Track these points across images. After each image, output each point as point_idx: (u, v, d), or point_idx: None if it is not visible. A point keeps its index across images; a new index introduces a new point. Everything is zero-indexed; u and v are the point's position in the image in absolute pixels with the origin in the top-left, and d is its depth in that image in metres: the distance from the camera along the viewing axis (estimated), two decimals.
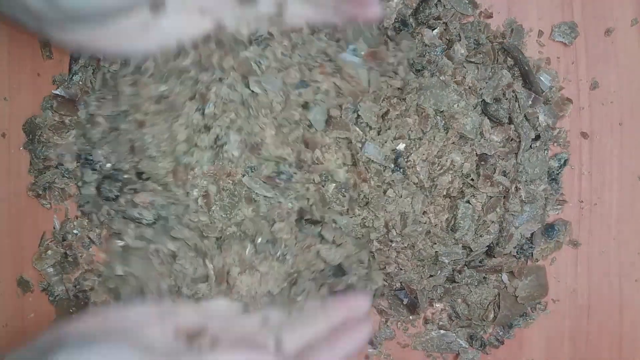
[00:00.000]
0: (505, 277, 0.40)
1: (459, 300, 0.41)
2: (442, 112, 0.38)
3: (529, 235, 0.40)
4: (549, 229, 0.40)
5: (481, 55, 0.39)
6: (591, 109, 0.41)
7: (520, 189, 0.38)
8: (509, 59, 0.40)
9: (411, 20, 0.40)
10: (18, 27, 0.44)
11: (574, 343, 0.41)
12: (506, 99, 0.39)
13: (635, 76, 0.41)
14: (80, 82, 0.42)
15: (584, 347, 0.41)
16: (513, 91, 0.39)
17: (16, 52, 0.44)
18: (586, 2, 0.41)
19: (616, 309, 0.41)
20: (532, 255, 0.41)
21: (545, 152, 0.40)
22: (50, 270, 0.43)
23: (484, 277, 0.40)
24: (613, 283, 0.41)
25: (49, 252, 0.43)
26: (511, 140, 0.39)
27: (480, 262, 0.40)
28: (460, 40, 0.39)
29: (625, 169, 0.41)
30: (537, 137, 0.40)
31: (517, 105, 0.39)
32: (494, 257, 0.39)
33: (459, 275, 0.40)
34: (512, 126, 0.39)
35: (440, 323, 0.41)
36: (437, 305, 0.41)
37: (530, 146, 0.39)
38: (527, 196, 0.38)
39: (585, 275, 0.41)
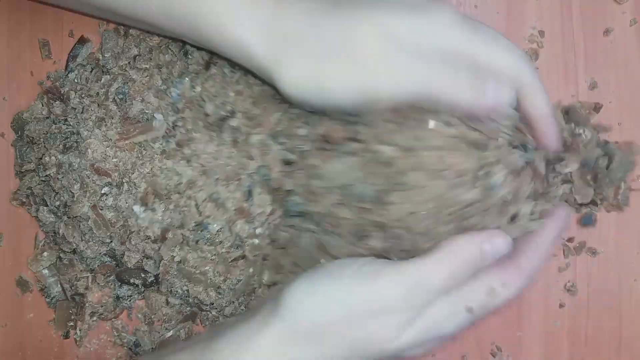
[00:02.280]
0: None
1: None
2: None
3: None
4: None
5: None
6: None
7: None
8: None
9: None
10: (17, 26, 0.44)
11: (573, 343, 0.41)
12: None
13: (634, 76, 0.41)
14: (76, 80, 0.41)
15: (583, 348, 0.41)
16: None
17: (15, 51, 0.44)
18: (585, 2, 0.41)
19: (615, 309, 0.41)
20: None
21: None
22: (46, 272, 0.43)
23: None
24: (612, 283, 0.41)
25: (45, 254, 0.42)
26: None
27: None
28: None
29: None
30: None
31: None
32: None
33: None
34: None
35: None
36: None
37: None
38: None
39: (584, 275, 0.41)
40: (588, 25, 0.41)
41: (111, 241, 0.40)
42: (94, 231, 0.39)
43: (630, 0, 0.40)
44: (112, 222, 0.39)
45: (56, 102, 0.41)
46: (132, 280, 0.41)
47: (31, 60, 0.43)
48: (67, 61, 0.42)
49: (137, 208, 0.39)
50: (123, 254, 0.40)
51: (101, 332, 0.43)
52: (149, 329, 0.42)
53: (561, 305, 0.41)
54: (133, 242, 0.40)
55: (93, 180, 0.39)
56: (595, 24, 0.41)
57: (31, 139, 0.41)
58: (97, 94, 0.40)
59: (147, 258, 0.40)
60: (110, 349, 0.43)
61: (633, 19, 0.40)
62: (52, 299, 0.43)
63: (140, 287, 0.41)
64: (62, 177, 0.40)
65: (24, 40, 0.44)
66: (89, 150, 0.39)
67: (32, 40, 0.43)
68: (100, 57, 0.41)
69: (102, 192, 0.39)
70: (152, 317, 0.42)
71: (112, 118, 0.39)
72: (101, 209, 0.39)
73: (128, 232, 0.39)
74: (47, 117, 0.42)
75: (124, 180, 0.39)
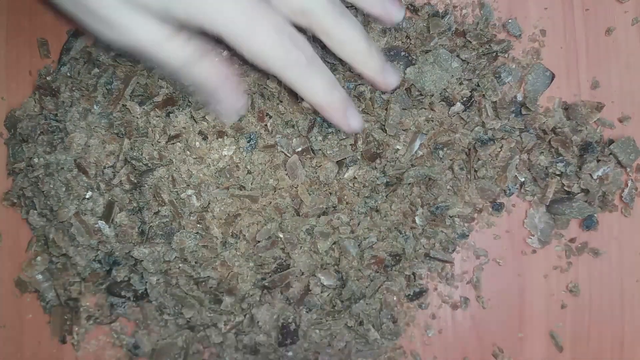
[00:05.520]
0: None
1: None
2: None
3: None
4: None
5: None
6: None
7: None
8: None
9: None
10: (16, 26, 0.43)
11: (575, 344, 0.41)
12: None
13: (636, 75, 0.40)
14: (68, 74, 0.41)
15: (585, 348, 0.41)
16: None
17: (14, 51, 0.43)
18: (587, 1, 0.41)
19: (617, 310, 0.41)
20: None
21: None
22: (40, 277, 0.42)
23: None
24: (614, 283, 0.41)
25: (38, 258, 0.42)
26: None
27: None
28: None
29: None
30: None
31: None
32: None
33: None
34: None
35: None
36: None
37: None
38: None
39: (586, 275, 0.41)
40: (590, 24, 0.41)
41: (99, 248, 0.40)
42: (77, 238, 0.39)
43: None
44: (95, 229, 0.39)
45: (47, 98, 0.41)
46: (122, 293, 0.40)
47: (30, 59, 0.43)
48: (61, 54, 0.42)
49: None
50: (112, 262, 0.40)
51: (100, 334, 0.43)
52: (147, 331, 0.41)
53: (563, 306, 0.41)
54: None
55: (77, 182, 0.39)
56: (597, 23, 0.41)
57: (23, 137, 0.41)
58: (87, 86, 0.40)
59: (133, 273, 0.40)
60: (110, 350, 0.43)
61: (635, 17, 0.40)
62: (47, 304, 0.42)
63: (131, 298, 0.41)
64: (49, 180, 0.39)
65: (23, 40, 0.43)
66: (73, 144, 0.39)
67: (31, 40, 0.43)
68: (93, 50, 0.41)
69: (86, 196, 0.39)
70: (149, 322, 0.41)
71: (99, 109, 0.39)
72: (84, 214, 0.39)
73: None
74: (40, 114, 0.41)
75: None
